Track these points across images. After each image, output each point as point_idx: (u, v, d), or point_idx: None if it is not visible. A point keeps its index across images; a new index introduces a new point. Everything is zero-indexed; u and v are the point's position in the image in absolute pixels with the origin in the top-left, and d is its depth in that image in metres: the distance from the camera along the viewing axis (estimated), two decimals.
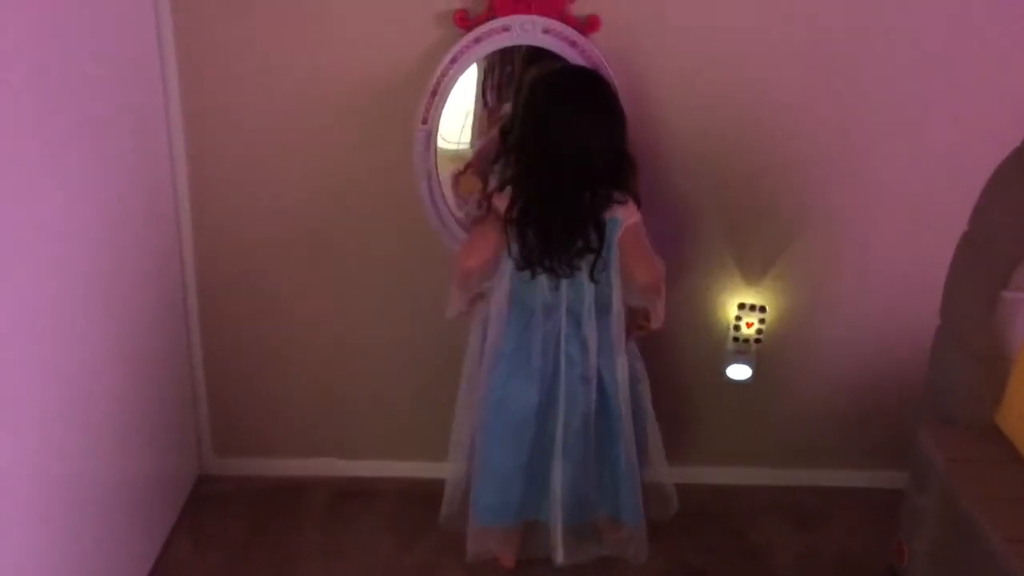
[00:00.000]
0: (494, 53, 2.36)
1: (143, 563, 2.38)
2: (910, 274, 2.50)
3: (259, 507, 2.65)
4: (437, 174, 2.43)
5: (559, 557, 2.27)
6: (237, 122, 2.41)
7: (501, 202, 2.14)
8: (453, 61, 2.32)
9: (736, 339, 2.60)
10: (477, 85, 2.44)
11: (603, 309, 2.17)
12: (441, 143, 2.41)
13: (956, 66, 2.35)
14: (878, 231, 2.51)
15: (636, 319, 2.26)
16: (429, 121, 2.37)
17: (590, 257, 2.10)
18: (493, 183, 2.46)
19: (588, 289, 2.14)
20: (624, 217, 2.09)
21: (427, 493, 2.55)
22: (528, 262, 2.12)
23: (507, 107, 2.45)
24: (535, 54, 2.35)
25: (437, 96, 2.35)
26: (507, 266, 2.17)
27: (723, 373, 2.64)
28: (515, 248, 2.12)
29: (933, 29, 2.33)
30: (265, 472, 2.75)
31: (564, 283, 2.14)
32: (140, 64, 2.29)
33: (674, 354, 2.62)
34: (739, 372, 2.64)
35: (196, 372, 2.67)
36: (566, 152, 2.04)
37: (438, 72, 2.32)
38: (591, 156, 2.05)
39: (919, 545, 2.22)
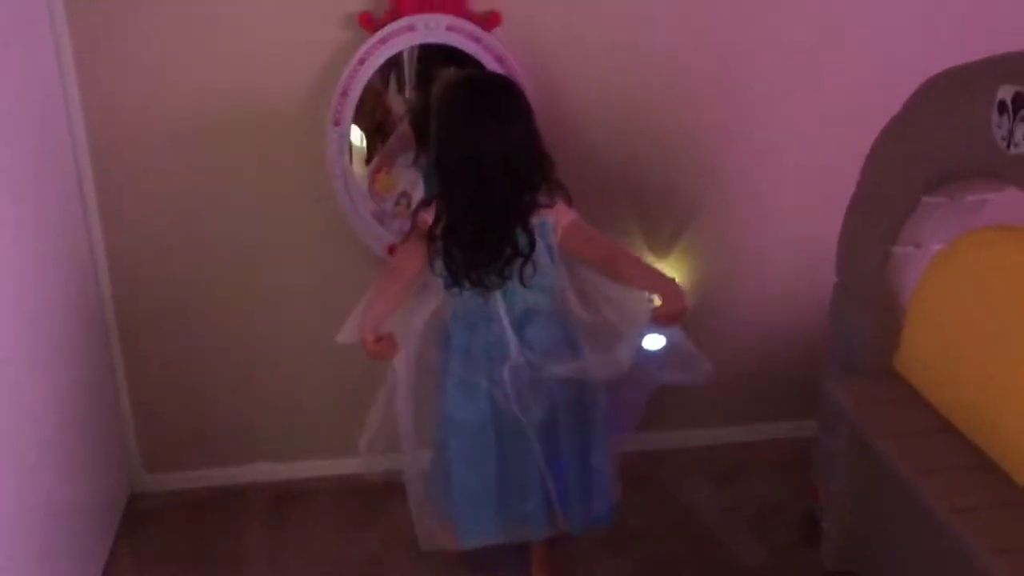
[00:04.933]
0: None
1: None
2: (807, 237, 2.66)
3: (197, 519, 2.64)
4: (352, 174, 2.47)
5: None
6: (145, 130, 2.41)
7: (429, 216, 2.06)
8: (361, 62, 2.36)
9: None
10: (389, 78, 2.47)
11: (548, 312, 2.13)
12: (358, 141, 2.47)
13: (840, 43, 2.54)
14: (774, 200, 2.68)
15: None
16: (341, 122, 2.41)
17: (520, 263, 2.04)
18: (406, 178, 2.52)
19: (522, 294, 2.08)
20: (556, 219, 2.06)
21: (366, 488, 2.60)
22: (455, 278, 2.06)
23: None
24: (431, 50, 2.41)
25: (348, 97, 2.39)
26: (438, 284, 2.11)
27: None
28: (439, 265, 2.06)
29: (820, 8, 2.51)
30: (199, 484, 2.74)
31: (498, 293, 2.07)
32: (37, 75, 2.25)
33: None
34: (653, 342, 2.76)
35: (120, 389, 2.64)
36: (491, 163, 1.97)
37: (347, 73, 2.36)
38: (515, 162, 1.99)
39: (835, 486, 2.40)
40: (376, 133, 2.49)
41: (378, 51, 2.36)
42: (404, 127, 2.54)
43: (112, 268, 2.52)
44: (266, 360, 2.69)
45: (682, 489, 2.74)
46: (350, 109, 2.40)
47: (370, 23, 2.35)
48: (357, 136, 2.47)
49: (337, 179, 2.46)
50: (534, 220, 2.03)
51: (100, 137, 2.40)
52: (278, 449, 2.77)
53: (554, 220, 2.06)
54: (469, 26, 2.36)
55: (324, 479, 2.76)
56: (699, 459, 2.85)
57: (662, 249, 2.69)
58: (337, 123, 2.40)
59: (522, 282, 2.04)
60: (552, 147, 2.35)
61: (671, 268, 2.70)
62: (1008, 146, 1.75)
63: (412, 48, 2.41)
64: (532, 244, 2.03)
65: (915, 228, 2.15)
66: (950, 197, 2.07)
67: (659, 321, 2.11)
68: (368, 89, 2.40)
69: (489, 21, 2.38)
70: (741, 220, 2.70)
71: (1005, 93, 1.75)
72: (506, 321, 2.09)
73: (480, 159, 1.97)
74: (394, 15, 2.34)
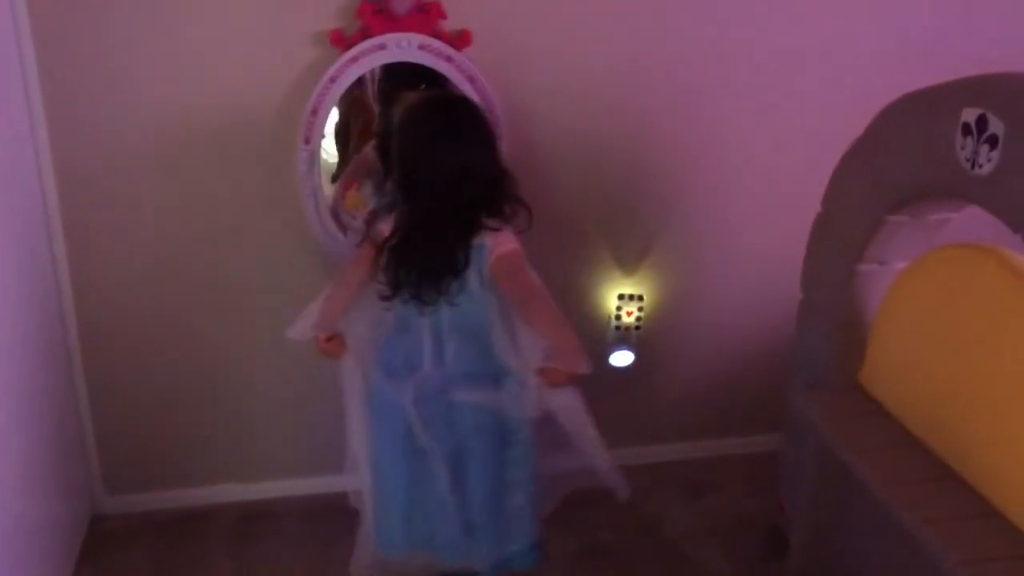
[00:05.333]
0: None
1: None
2: (770, 255, 2.72)
3: (162, 541, 2.60)
4: (322, 192, 2.47)
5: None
6: (112, 149, 2.38)
7: (386, 227, 2.06)
8: (332, 80, 2.36)
9: (618, 328, 2.75)
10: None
11: (471, 336, 2.09)
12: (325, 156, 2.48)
13: (803, 67, 2.60)
14: (739, 218, 2.73)
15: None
16: (312, 141, 2.40)
17: (450, 279, 2.02)
18: (374, 200, 2.52)
19: (449, 314, 2.06)
20: (494, 245, 2.01)
21: (332, 507, 2.57)
22: (394, 290, 2.04)
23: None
24: (395, 69, 2.42)
25: (318, 116, 2.38)
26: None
27: (607, 360, 2.79)
28: (383, 275, 2.05)
29: (782, 38, 2.57)
30: (163, 505, 2.70)
31: (429, 309, 2.06)
32: (3, 97, 2.21)
33: None
34: (622, 359, 2.79)
35: (82, 410, 2.59)
36: (447, 181, 1.97)
37: (317, 92, 2.36)
38: (471, 181, 1.99)
39: (800, 499, 2.44)
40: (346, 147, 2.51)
41: (349, 69, 2.36)
42: (369, 148, 2.54)
43: (75, 289, 2.49)
44: (231, 380, 2.66)
45: (650, 504, 2.76)
46: (320, 127, 2.40)
47: (341, 41, 2.35)
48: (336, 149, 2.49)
49: (307, 197, 2.45)
50: (475, 241, 2.01)
51: (67, 156, 2.37)
52: (243, 469, 2.74)
53: (492, 245, 2.01)
54: (440, 45, 2.37)
55: (290, 499, 2.74)
56: (667, 474, 2.88)
57: (629, 267, 2.72)
58: (307, 141, 2.40)
59: (448, 299, 2.03)
60: (520, 165, 2.37)
61: (638, 286, 2.74)
62: (972, 167, 1.81)
63: (374, 68, 2.42)
64: (466, 262, 2.01)
65: (879, 246, 2.20)
66: (913, 216, 2.12)
67: (544, 377, 2.06)
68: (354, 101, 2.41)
69: (460, 40, 2.39)
70: (707, 238, 2.75)
71: (969, 116, 1.80)
72: (427, 336, 2.09)
73: (438, 177, 1.98)
74: (365, 34, 2.35)
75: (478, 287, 2.03)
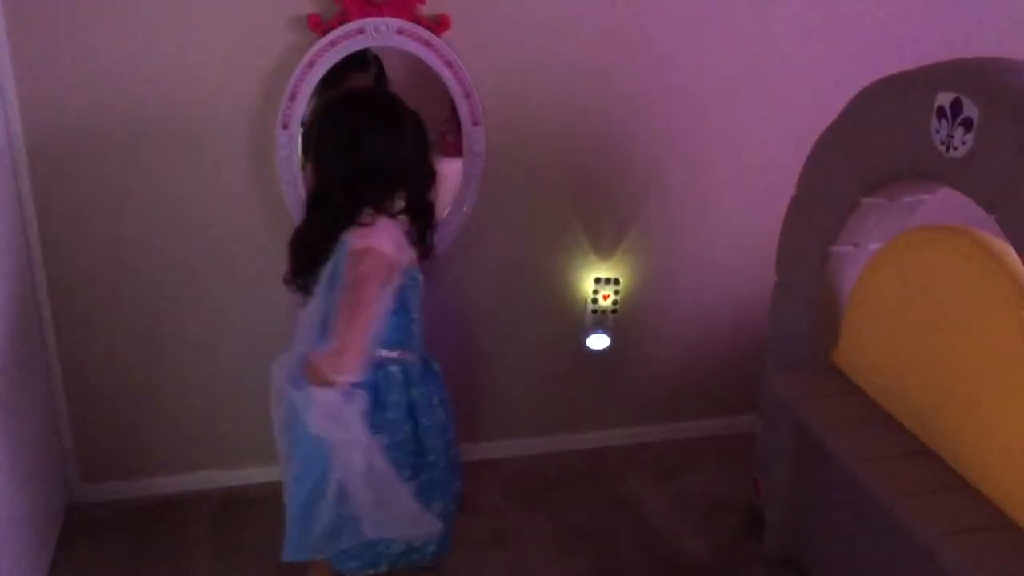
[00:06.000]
0: None
1: None
2: (746, 237, 2.77)
3: (141, 530, 2.59)
4: (302, 178, 2.46)
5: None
6: (87, 136, 2.35)
7: None
8: (310, 65, 2.35)
9: (594, 311, 2.78)
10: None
11: (320, 330, 2.02)
12: None
13: (779, 55, 2.65)
14: (715, 201, 2.77)
15: None
16: (290, 126, 2.39)
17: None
18: None
19: (312, 302, 2.02)
20: (353, 240, 1.95)
21: None
22: (292, 275, 2.07)
23: None
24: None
25: (296, 100, 2.38)
26: None
27: (583, 344, 2.82)
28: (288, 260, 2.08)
29: (760, 22, 2.61)
30: (141, 493, 2.69)
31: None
32: None
33: (537, 330, 2.79)
34: (598, 342, 2.82)
35: (57, 396, 2.57)
36: (332, 176, 1.99)
37: (295, 77, 2.35)
38: (355, 179, 1.97)
39: (775, 476, 2.49)
40: None
41: (327, 54, 2.35)
42: None
43: (49, 269, 2.46)
44: (208, 365, 2.65)
45: (626, 486, 2.80)
46: (299, 112, 2.39)
47: (319, 26, 2.34)
48: None
49: (286, 183, 2.44)
50: (345, 236, 1.97)
51: (41, 142, 2.34)
52: (222, 456, 2.73)
53: (352, 240, 1.95)
54: (419, 30, 2.37)
55: (270, 485, 2.70)
56: (642, 456, 2.92)
57: (606, 250, 2.75)
58: (285, 126, 2.39)
59: (308, 290, 2.02)
60: (497, 149, 2.39)
61: (614, 269, 2.76)
62: (947, 150, 1.85)
63: None
64: (327, 255, 1.98)
65: (853, 228, 2.24)
66: (888, 198, 2.17)
67: (305, 366, 1.95)
68: None
69: (439, 25, 2.39)
70: (683, 222, 2.78)
71: (944, 99, 1.84)
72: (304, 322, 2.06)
73: (326, 173, 2.00)
74: (343, 18, 2.34)
75: (325, 281, 1.99)
